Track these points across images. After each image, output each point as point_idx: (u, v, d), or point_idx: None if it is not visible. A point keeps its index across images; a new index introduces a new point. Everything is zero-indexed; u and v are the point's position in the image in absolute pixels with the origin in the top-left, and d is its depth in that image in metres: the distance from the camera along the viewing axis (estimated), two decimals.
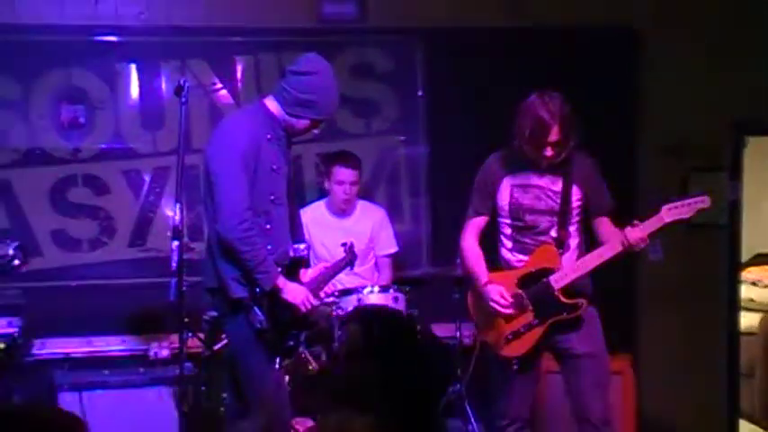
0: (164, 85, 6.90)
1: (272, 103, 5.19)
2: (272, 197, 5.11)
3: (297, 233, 5.40)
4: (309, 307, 5.23)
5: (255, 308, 5.07)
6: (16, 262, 5.31)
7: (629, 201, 6.62)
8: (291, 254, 5.26)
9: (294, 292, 5.14)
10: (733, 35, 7.17)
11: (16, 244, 5.36)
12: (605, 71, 7.08)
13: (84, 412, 6.09)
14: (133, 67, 6.89)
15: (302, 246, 5.40)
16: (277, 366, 5.24)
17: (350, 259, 5.90)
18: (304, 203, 6.62)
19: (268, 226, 5.08)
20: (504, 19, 7.05)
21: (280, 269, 5.10)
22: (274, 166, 5.11)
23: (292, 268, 5.26)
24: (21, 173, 6.76)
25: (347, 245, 5.93)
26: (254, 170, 5.02)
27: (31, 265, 6.48)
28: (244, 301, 5.06)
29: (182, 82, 5.47)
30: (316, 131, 5.44)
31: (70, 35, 6.78)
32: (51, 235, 6.79)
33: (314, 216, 6.54)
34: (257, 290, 5.05)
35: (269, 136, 5.11)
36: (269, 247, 5.05)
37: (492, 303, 5.09)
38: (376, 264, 6.72)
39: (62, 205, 6.81)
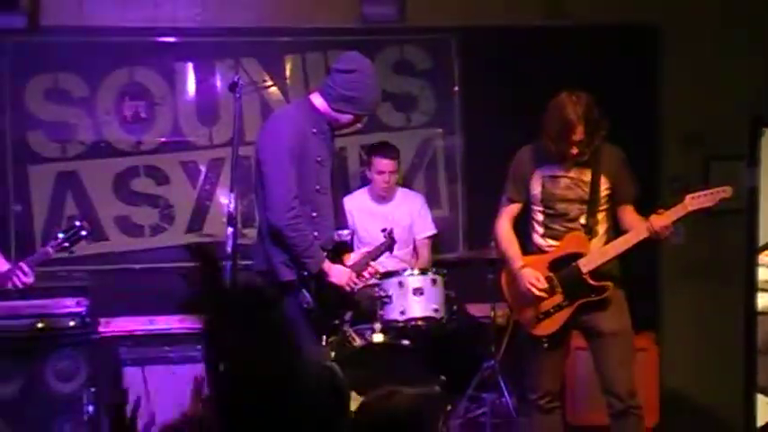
0: (218, 83, 6.91)
1: (317, 99, 5.20)
2: (318, 187, 5.14)
3: (340, 220, 5.40)
4: (353, 288, 5.24)
5: (303, 289, 5.09)
6: (84, 233, 5.32)
7: (652, 188, 6.59)
8: (336, 239, 5.26)
9: (339, 275, 5.16)
10: (750, 31, 7.09)
11: (81, 220, 5.39)
12: (631, 66, 7.04)
13: (147, 385, 6.12)
14: (190, 65, 6.91)
15: (345, 231, 5.42)
16: (323, 343, 5.25)
17: (389, 244, 5.90)
18: (348, 191, 6.62)
19: (314, 214, 5.11)
20: (535, 18, 7.01)
21: (325, 253, 5.11)
22: (319, 158, 5.13)
23: (336, 252, 5.26)
24: (88, 164, 6.80)
25: (387, 230, 5.93)
26: (300, 161, 5.03)
27: (97, 249, 6.57)
28: (292, 283, 5.08)
29: (236, 79, 5.48)
30: (359, 125, 5.45)
31: (132, 36, 6.82)
32: (115, 221, 6.83)
33: (357, 203, 6.54)
34: (304, 273, 5.06)
35: (314, 130, 5.13)
36: (315, 233, 5.07)
37: (528, 286, 5.06)
38: (415, 248, 6.70)
39: (125, 194, 6.85)
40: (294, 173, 5.02)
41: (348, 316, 5.79)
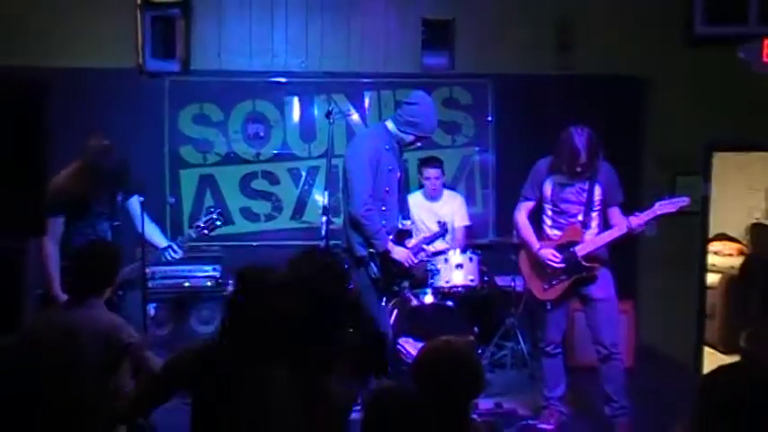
0: (316, 112, 6.95)
1: (390, 124, 5.24)
2: (387, 189, 5.16)
3: (404, 213, 5.42)
4: (410, 263, 5.25)
5: (372, 263, 5.12)
6: (218, 223, 5.37)
7: (634, 195, 6.51)
8: (400, 227, 5.29)
9: (399, 253, 5.19)
10: (707, 81, 7.00)
11: (219, 210, 5.39)
12: (620, 106, 6.98)
13: None
14: (296, 99, 6.97)
15: (408, 222, 5.43)
16: (384, 304, 5.27)
17: (443, 233, 5.91)
18: (408, 192, 6.62)
19: (384, 208, 5.13)
20: (550, 69, 6.99)
21: (390, 237, 5.14)
22: (390, 168, 5.16)
23: (400, 237, 5.29)
24: (221, 169, 6.89)
25: (441, 223, 5.94)
26: (375, 170, 5.07)
27: (227, 231, 6.56)
28: (364, 258, 5.12)
29: (330, 109, 5.51)
30: (419, 144, 5.45)
31: (255, 78, 6.90)
32: (240, 211, 6.91)
33: (415, 201, 6.51)
34: (373, 251, 5.09)
35: (387, 146, 5.16)
36: (383, 222, 5.10)
37: (547, 261, 5.07)
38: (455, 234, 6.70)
39: (248, 191, 6.92)
40: (370, 178, 5.05)
41: (406, 284, 5.82)
